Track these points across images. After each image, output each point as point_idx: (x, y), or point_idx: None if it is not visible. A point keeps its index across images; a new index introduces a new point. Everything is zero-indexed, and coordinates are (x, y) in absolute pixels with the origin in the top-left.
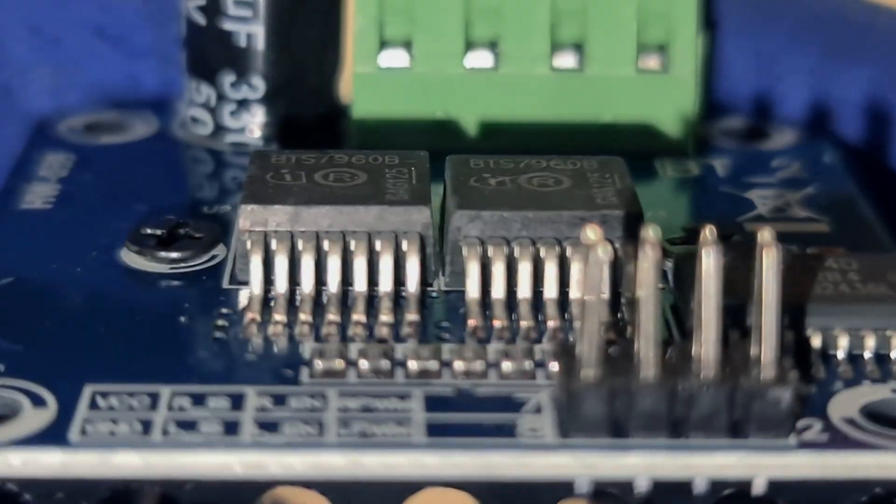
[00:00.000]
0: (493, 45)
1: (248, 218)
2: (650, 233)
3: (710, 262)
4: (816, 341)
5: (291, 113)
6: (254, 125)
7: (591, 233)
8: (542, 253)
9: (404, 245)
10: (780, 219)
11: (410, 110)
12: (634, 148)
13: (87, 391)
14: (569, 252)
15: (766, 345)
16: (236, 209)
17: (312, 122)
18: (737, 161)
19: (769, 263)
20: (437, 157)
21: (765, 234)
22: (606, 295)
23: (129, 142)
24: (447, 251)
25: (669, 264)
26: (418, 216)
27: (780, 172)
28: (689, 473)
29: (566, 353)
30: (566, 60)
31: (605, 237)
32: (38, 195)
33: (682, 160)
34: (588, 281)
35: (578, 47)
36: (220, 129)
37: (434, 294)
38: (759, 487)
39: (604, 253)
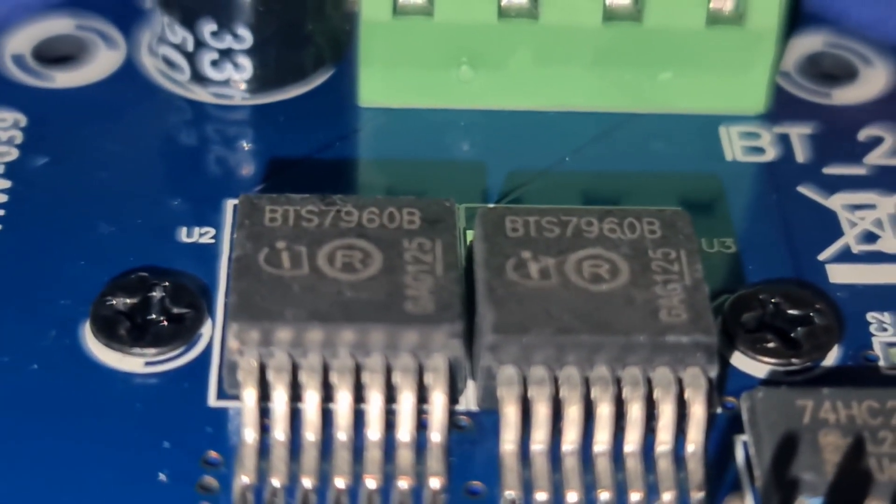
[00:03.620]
0: None
1: (242, 342)
2: None
3: None
4: None
5: (284, 64)
6: (239, 79)
7: None
8: (594, 393)
9: (428, 377)
10: (868, 258)
11: (430, 64)
12: (697, 110)
13: None
14: (626, 392)
15: None
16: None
17: (311, 75)
18: (817, 132)
19: None
20: (460, 116)
21: None
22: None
23: (91, 83)
24: (477, 362)
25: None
26: (444, 339)
27: (870, 155)
28: None
29: None
30: None
31: (667, 364)
32: None
33: (751, 127)
34: None
35: None
36: (198, 76)
37: (463, 422)
38: None
39: None
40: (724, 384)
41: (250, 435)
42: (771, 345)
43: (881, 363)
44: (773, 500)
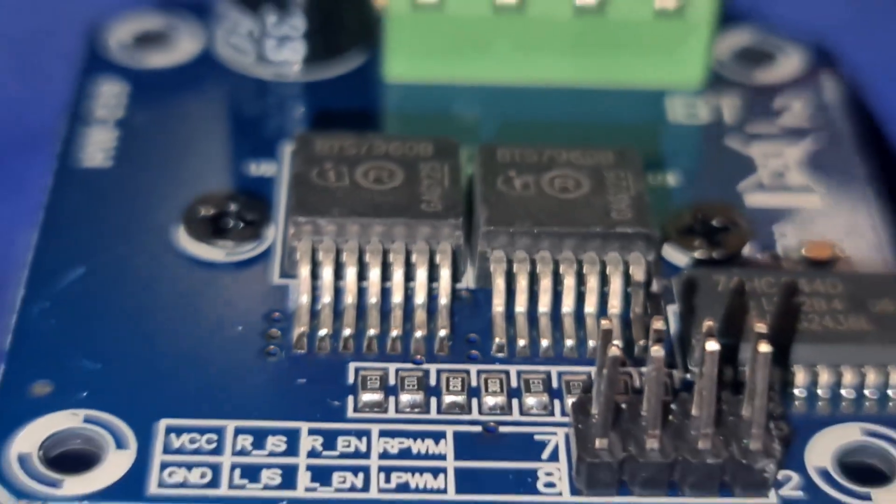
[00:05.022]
0: None
1: (298, 231)
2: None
3: (712, 355)
4: (801, 377)
5: (329, 48)
6: (294, 60)
7: (605, 325)
8: (562, 269)
9: (437, 258)
10: (777, 188)
11: (442, 48)
12: (648, 86)
13: (162, 427)
14: (585, 269)
15: (756, 421)
16: (283, 158)
17: (351, 51)
18: (743, 101)
19: (761, 360)
20: (464, 90)
21: (758, 328)
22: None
23: (178, 64)
24: (475, 250)
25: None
26: (450, 231)
27: (782, 118)
28: None
29: (582, 411)
30: None
31: (617, 250)
32: (98, 146)
33: (692, 98)
34: (609, 380)
35: None
36: (262, 59)
37: (464, 295)
38: None
39: (615, 355)
40: (660, 271)
41: (305, 298)
42: (697, 243)
43: (781, 258)
44: (690, 332)
